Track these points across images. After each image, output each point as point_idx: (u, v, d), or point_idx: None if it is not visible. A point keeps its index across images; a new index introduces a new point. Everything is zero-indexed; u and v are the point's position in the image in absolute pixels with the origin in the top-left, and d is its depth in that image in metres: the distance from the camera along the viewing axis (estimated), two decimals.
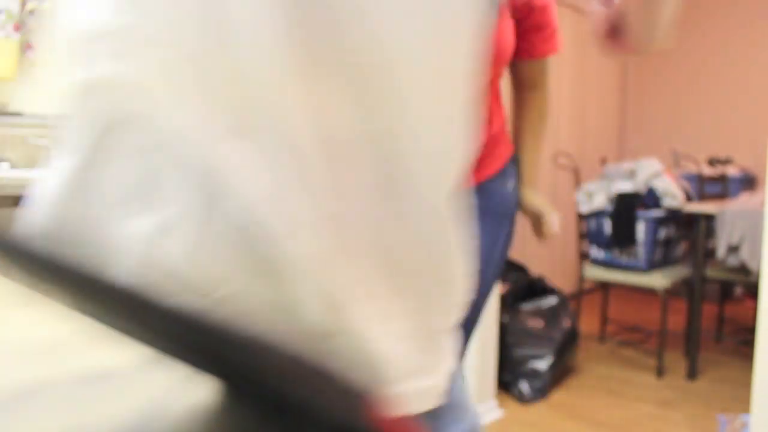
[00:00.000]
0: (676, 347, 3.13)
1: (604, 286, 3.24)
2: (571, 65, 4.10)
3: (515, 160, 1.31)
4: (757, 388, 1.69)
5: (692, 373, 2.74)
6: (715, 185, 3.34)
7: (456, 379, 0.79)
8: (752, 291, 3.27)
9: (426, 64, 0.39)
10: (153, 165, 0.33)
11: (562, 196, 4.08)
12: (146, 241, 0.30)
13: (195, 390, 0.26)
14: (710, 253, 2.80)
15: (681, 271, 2.93)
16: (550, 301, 2.78)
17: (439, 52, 0.40)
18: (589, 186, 3.05)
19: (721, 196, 3.29)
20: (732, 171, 3.64)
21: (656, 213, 2.83)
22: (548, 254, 4.04)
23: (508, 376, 2.54)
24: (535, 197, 1.35)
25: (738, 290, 3.98)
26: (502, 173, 1.27)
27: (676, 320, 3.46)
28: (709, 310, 3.49)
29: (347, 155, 0.37)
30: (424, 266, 0.41)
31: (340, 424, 0.20)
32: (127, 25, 0.35)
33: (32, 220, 0.33)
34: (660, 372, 2.77)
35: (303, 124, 0.35)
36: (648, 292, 4.12)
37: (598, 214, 2.97)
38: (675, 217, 2.90)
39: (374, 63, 0.37)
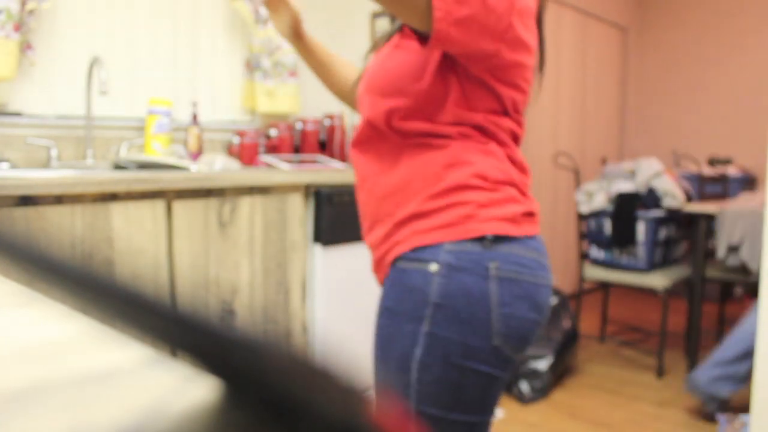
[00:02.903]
0: (676, 347, 3.13)
1: (604, 286, 3.24)
2: (571, 65, 4.09)
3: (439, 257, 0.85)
4: (757, 388, 1.68)
5: None
6: (715, 185, 3.34)
7: None
8: (752, 291, 3.27)
9: None
10: None
11: (562, 196, 4.08)
12: None
13: (195, 390, 0.26)
14: (710, 253, 2.80)
15: (681, 271, 2.93)
16: (550, 301, 2.78)
17: None
18: (589, 186, 3.05)
19: (721, 196, 3.29)
20: (732, 171, 3.64)
21: (656, 213, 2.83)
22: (548, 254, 4.04)
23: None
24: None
25: (738, 290, 3.98)
26: (400, 263, 0.89)
27: (676, 320, 3.46)
28: (709, 310, 3.49)
29: None
30: None
31: (341, 424, 0.20)
32: None
33: None
34: (660, 372, 2.77)
35: None
36: (648, 292, 4.12)
37: (598, 214, 2.97)
38: (675, 217, 2.90)
39: None
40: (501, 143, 0.91)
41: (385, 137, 0.92)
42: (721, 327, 3.34)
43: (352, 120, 2.80)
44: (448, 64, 0.87)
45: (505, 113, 0.91)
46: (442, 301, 0.84)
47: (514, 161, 0.92)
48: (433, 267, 0.85)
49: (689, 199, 2.96)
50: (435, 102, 0.88)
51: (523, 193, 0.92)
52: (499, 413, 2.39)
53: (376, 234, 0.94)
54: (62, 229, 1.44)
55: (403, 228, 0.90)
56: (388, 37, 0.99)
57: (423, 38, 0.84)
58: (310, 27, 2.86)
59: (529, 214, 0.91)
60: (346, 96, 1.21)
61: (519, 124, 0.94)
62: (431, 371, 0.85)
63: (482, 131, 0.89)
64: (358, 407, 0.20)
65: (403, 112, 0.89)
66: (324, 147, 2.57)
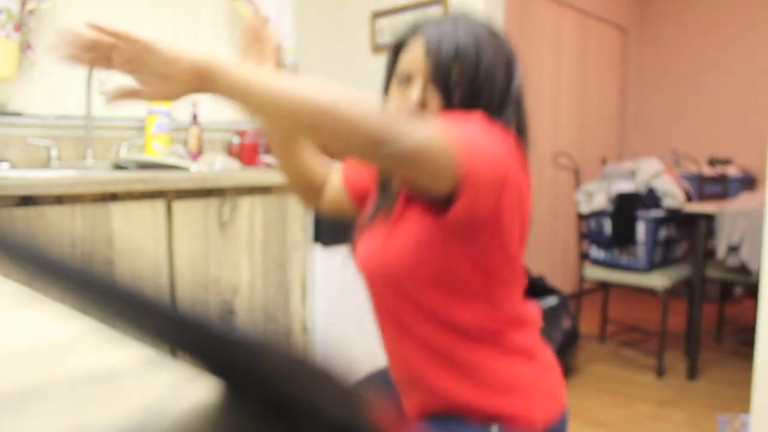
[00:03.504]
0: (676, 347, 3.13)
1: (604, 286, 3.24)
2: (571, 65, 4.10)
3: None
4: (757, 388, 1.68)
5: (692, 373, 2.74)
6: (715, 185, 3.33)
7: None
8: (752, 291, 3.27)
9: None
10: None
11: (562, 196, 4.08)
12: None
13: (195, 390, 0.26)
14: (710, 253, 2.80)
15: (681, 271, 2.93)
16: (550, 301, 2.78)
17: None
18: (589, 186, 3.05)
19: (721, 196, 3.29)
20: (732, 171, 3.64)
21: (656, 213, 2.83)
22: (548, 254, 4.04)
23: None
24: None
25: (738, 290, 3.98)
26: None
27: (676, 320, 3.46)
28: (709, 310, 3.49)
29: None
30: None
31: (341, 424, 0.20)
32: None
33: None
34: (660, 372, 2.77)
35: None
36: (648, 292, 4.12)
37: (598, 214, 2.97)
38: (675, 217, 2.90)
39: None
40: (514, 323, 0.90)
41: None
42: (720, 327, 3.34)
43: None
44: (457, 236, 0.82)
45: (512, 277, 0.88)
46: None
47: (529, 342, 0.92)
48: None
49: (689, 199, 2.96)
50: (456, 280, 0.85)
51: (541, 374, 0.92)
52: None
53: None
54: (62, 229, 1.44)
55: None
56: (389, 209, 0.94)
57: (439, 209, 0.78)
58: (309, 26, 2.86)
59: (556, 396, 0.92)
60: (296, 182, 1.11)
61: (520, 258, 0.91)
62: None
63: (497, 307, 0.88)
64: (357, 407, 0.20)
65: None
66: None
